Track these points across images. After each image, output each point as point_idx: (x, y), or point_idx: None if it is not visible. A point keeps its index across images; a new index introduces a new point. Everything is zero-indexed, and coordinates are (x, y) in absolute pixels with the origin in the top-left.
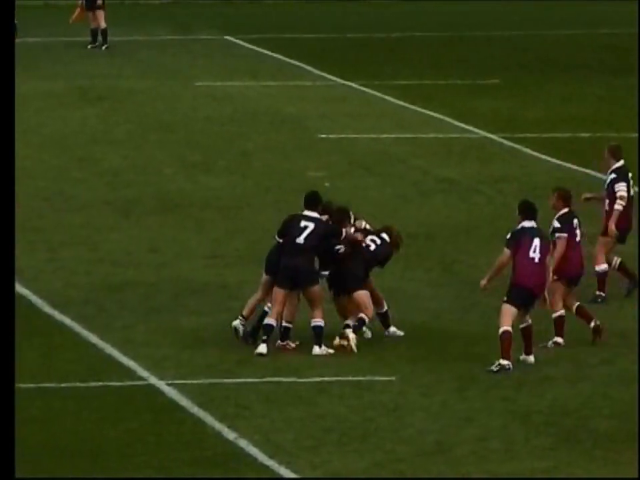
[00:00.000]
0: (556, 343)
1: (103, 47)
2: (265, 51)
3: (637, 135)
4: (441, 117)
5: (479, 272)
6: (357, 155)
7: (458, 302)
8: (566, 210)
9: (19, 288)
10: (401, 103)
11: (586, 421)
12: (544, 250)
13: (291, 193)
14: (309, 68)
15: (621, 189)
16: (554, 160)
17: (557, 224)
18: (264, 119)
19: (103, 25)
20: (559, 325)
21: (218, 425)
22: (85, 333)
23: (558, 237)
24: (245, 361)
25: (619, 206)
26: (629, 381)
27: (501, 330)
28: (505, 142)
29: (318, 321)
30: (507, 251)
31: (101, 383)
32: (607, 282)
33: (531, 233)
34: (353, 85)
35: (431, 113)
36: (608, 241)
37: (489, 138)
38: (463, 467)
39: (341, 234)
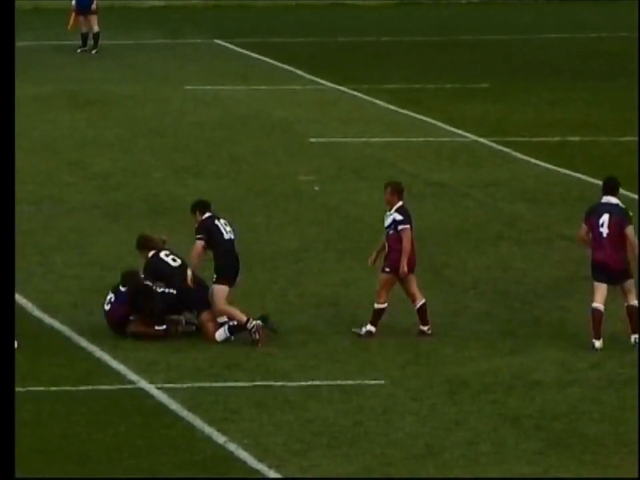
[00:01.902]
0: (369, 332)
1: (93, 51)
2: (255, 55)
3: (625, 138)
4: (431, 120)
5: (469, 276)
6: (347, 159)
7: (448, 305)
8: (401, 203)
9: None
10: (391, 107)
11: (575, 425)
12: (613, 225)
13: (281, 197)
14: (299, 72)
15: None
16: (543, 164)
17: (398, 216)
18: (254, 123)
19: (95, 28)
20: (376, 316)
21: (207, 429)
22: (75, 337)
23: (402, 229)
24: (235, 364)
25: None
26: (618, 384)
27: (591, 307)
28: (495, 146)
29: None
30: (583, 227)
31: (90, 387)
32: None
33: (602, 209)
34: (343, 89)
35: (421, 117)
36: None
37: (479, 142)
38: (452, 470)
39: None
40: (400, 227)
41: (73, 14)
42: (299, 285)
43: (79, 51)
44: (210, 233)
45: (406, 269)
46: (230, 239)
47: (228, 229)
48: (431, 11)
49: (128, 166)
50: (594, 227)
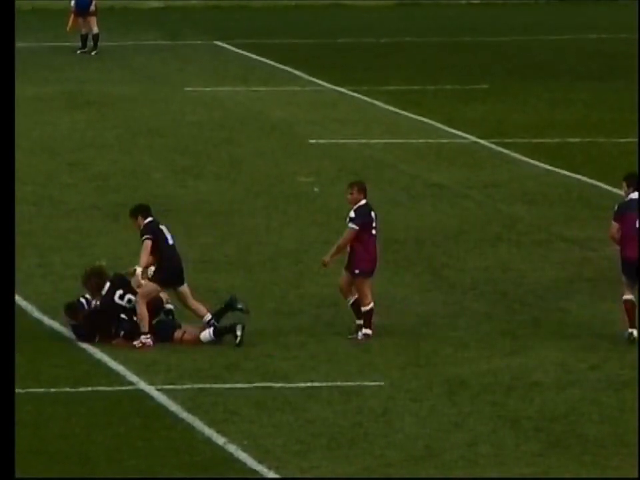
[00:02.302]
0: (366, 335)
1: (93, 52)
2: (255, 56)
3: (625, 139)
4: (430, 122)
5: (468, 276)
6: (346, 160)
7: (447, 307)
8: (364, 202)
9: None
10: (391, 108)
11: (575, 426)
12: None
13: (280, 198)
14: (298, 73)
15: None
16: (543, 165)
17: (352, 214)
18: (253, 124)
19: (95, 30)
20: (368, 318)
21: (207, 430)
22: (75, 338)
23: (348, 227)
24: (234, 365)
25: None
26: (617, 386)
27: (622, 299)
28: (494, 147)
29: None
30: (614, 224)
31: (90, 388)
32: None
33: (636, 205)
34: (343, 90)
35: (420, 118)
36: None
37: (478, 143)
38: (452, 471)
39: None
40: (349, 225)
41: (72, 15)
42: (298, 286)
43: (78, 52)
44: (156, 235)
45: (328, 259)
46: (173, 244)
47: (170, 235)
48: (430, 12)
49: (127, 167)
50: (631, 223)
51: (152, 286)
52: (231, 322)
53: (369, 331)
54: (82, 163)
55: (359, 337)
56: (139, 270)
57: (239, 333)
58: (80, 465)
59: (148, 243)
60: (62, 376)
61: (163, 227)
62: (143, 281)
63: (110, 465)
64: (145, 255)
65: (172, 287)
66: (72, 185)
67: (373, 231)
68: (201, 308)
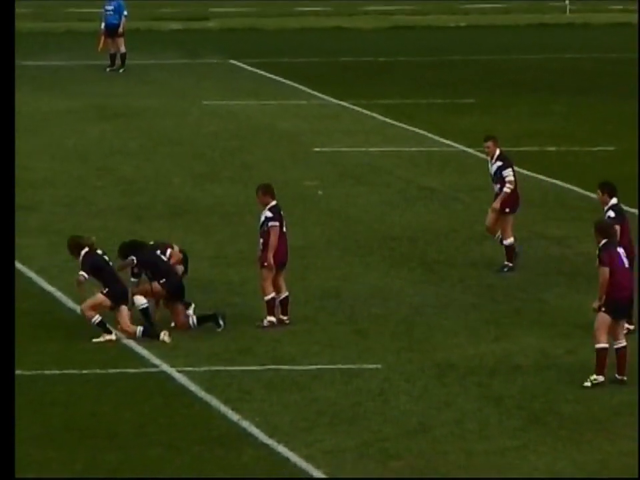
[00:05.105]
0: (270, 322)
1: (121, 70)
2: (266, 74)
3: (597, 148)
4: (423, 132)
5: (457, 271)
6: (347, 167)
7: (438, 298)
8: (274, 202)
9: (45, 285)
10: (387, 120)
11: (552, 404)
12: None
13: (287, 200)
14: (304, 88)
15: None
16: (523, 171)
17: (269, 214)
18: (264, 134)
19: (122, 49)
20: (270, 307)
21: (223, 408)
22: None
23: (271, 226)
24: (247, 350)
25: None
26: (591, 368)
27: None
28: (480, 155)
29: None
30: None
31: (118, 370)
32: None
33: None
34: (345, 103)
35: (414, 129)
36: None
37: (466, 151)
38: (442, 445)
39: None
40: (269, 224)
41: (102, 36)
42: (304, 279)
43: (107, 69)
44: None
45: (272, 261)
46: None
47: None
48: (422, 34)
49: (150, 172)
50: None
51: None
52: (212, 311)
53: (273, 319)
54: (109, 169)
55: (264, 324)
56: None
57: (221, 322)
58: (108, 439)
59: None
60: (92, 359)
61: None
62: None
63: (135, 439)
64: None
65: None
66: (101, 188)
67: (284, 229)
68: None
